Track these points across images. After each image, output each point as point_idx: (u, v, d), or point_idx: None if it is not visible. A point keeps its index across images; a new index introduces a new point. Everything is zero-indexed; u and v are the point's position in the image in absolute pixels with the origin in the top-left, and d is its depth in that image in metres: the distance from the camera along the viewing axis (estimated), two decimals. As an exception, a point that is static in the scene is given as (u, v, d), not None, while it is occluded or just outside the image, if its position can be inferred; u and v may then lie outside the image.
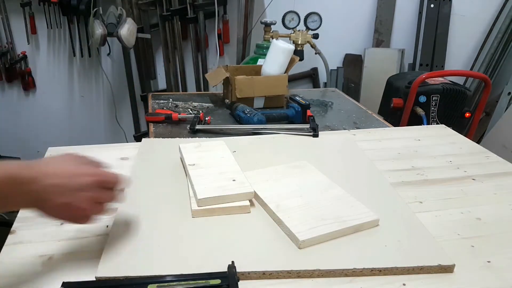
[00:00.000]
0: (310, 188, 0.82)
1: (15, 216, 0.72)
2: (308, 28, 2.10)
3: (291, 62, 1.53)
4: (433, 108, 1.89)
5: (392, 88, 2.07)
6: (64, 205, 0.57)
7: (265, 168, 0.91)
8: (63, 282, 0.56)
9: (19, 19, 2.23)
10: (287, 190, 0.81)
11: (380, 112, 2.10)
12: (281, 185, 0.83)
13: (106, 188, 0.61)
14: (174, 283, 0.56)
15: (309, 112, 1.28)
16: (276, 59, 1.50)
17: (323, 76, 2.70)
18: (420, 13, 2.64)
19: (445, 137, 1.15)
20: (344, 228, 0.70)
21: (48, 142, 1.11)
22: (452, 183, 0.90)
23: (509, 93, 2.57)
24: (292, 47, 1.50)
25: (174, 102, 1.49)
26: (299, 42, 2.08)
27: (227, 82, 1.48)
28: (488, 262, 0.65)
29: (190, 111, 1.42)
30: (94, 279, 0.58)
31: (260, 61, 2.07)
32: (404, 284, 0.60)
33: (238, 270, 0.59)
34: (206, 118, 1.29)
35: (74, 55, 2.38)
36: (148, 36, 2.31)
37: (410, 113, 1.88)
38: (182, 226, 0.70)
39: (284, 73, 1.49)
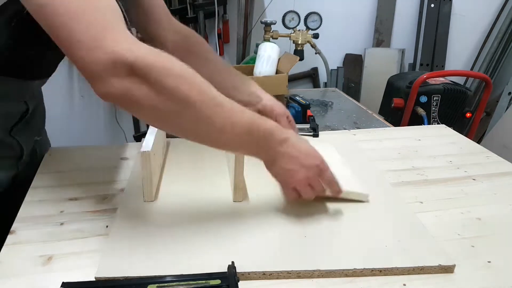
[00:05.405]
0: None
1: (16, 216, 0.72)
2: (308, 28, 2.10)
3: (290, 62, 1.53)
4: (434, 108, 1.89)
5: (392, 88, 2.07)
6: (287, 171, 0.68)
7: None
8: (63, 282, 0.56)
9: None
10: None
11: (380, 112, 2.10)
12: None
13: (321, 178, 0.70)
14: (174, 283, 0.56)
15: (309, 112, 1.28)
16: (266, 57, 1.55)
17: (323, 76, 2.70)
18: (420, 13, 2.64)
19: (445, 137, 1.15)
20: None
21: (48, 142, 1.11)
22: (453, 183, 0.89)
23: (509, 93, 2.57)
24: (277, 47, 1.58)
25: (174, 102, 1.49)
26: (299, 42, 2.08)
27: (227, 82, 1.48)
28: (488, 262, 0.64)
29: (190, 111, 1.41)
30: (94, 279, 0.58)
31: (260, 61, 2.08)
32: (404, 285, 0.60)
33: (238, 270, 0.58)
34: (206, 118, 1.29)
35: (74, 55, 2.38)
36: (148, 36, 2.31)
37: (411, 113, 1.88)
38: (182, 226, 0.70)
39: (284, 73, 1.49)
